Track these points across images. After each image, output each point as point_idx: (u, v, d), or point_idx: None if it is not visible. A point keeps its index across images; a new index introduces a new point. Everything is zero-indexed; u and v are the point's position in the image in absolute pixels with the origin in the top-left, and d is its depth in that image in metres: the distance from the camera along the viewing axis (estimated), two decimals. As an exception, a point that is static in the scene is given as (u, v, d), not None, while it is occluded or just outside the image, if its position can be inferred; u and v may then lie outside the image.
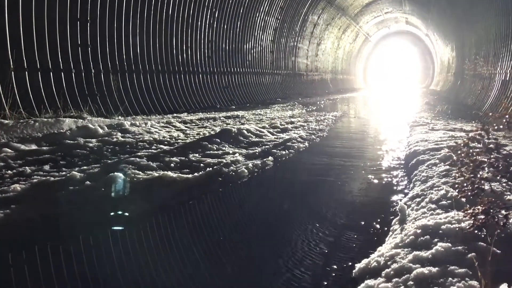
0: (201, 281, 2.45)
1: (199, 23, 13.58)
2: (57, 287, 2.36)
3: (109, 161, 5.07)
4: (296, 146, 6.76)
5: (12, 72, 7.37)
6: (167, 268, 2.59)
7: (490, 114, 2.22)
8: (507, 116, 1.96)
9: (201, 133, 7.59)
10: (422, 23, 29.87)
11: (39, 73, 8.01)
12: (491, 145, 2.03)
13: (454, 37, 20.63)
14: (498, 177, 2.18)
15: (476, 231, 2.39)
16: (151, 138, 6.89)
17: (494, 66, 11.80)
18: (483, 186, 2.20)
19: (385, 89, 34.85)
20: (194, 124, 9.21)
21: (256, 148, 6.37)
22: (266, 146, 6.50)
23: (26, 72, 7.72)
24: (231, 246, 2.99)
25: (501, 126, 1.99)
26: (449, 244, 2.34)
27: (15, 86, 7.35)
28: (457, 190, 2.43)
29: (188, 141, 6.49)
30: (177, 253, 2.82)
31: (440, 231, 2.54)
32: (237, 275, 2.55)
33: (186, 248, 2.94)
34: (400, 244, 2.54)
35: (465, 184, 2.27)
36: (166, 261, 2.68)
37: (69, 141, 6.25)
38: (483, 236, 2.34)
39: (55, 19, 8.39)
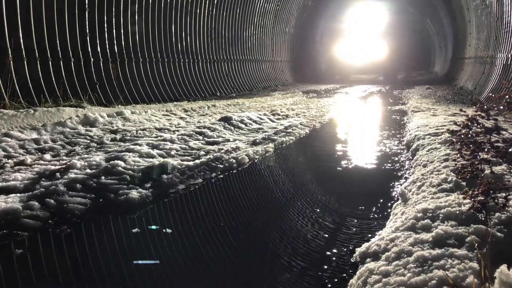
0: (203, 267, 2.46)
1: (198, 10, 13.49)
2: (61, 274, 2.37)
3: (110, 149, 5.07)
4: (296, 133, 6.76)
5: (11, 62, 7.35)
6: (168, 253, 2.61)
7: (491, 95, 2.21)
8: (507, 97, 1.95)
9: (202, 121, 7.58)
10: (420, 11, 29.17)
11: (38, 62, 7.98)
12: (490, 126, 2.03)
13: (454, 22, 20.44)
14: (498, 158, 2.17)
15: (476, 213, 2.39)
16: (152, 126, 6.89)
17: (495, 51, 11.72)
18: (483, 168, 2.19)
19: (388, 76, 32.62)
20: (194, 112, 9.19)
21: (257, 135, 6.37)
22: (267, 133, 6.50)
23: (25, 62, 7.69)
24: (231, 234, 3.00)
25: (501, 107, 1.99)
26: (449, 227, 2.35)
27: (14, 75, 7.33)
28: (456, 172, 2.42)
29: (188, 128, 6.48)
30: (179, 238, 2.83)
31: (441, 214, 2.54)
32: (235, 263, 2.56)
33: (188, 233, 2.95)
34: (400, 228, 2.55)
35: (464, 166, 2.27)
36: (168, 246, 2.70)
37: (69, 130, 6.25)
38: (483, 218, 2.35)
39: (53, 8, 8.33)
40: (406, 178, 4.07)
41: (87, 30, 9.29)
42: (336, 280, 2.24)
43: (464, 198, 2.49)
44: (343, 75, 25.83)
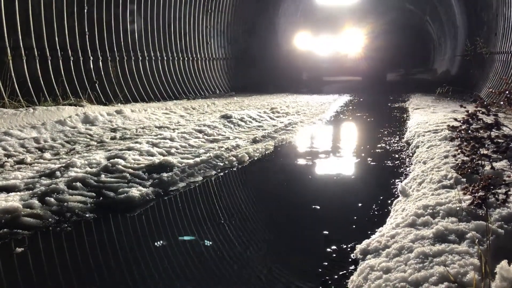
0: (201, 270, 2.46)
1: (196, 9, 13.46)
2: (61, 273, 2.38)
3: (110, 148, 5.08)
4: (297, 130, 6.76)
5: (10, 61, 7.34)
6: (169, 251, 2.61)
7: (491, 90, 2.21)
8: (507, 92, 1.95)
9: (201, 119, 7.58)
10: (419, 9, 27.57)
11: (37, 61, 7.97)
12: (491, 122, 2.03)
13: (453, 18, 20.40)
14: (498, 154, 2.17)
15: (476, 209, 2.39)
16: (152, 125, 6.89)
17: (495, 47, 11.71)
18: (483, 163, 2.20)
19: (372, 77, 23.19)
20: (194, 110, 9.19)
21: (257, 132, 6.37)
22: (267, 131, 6.49)
23: (24, 61, 7.69)
24: (232, 231, 3.00)
25: (501, 103, 1.98)
26: (450, 223, 2.35)
27: (13, 74, 7.33)
28: (456, 168, 2.43)
29: (188, 127, 6.48)
30: (179, 236, 2.83)
31: (441, 211, 2.54)
32: (236, 260, 2.57)
33: (188, 231, 2.95)
34: (401, 225, 2.54)
35: (465, 162, 2.27)
36: (169, 244, 2.70)
37: (69, 129, 6.26)
38: (483, 214, 2.35)
39: (52, 6, 8.32)
40: (406, 175, 4.07)
41: (86, 28, 9.28)
42: (336, 277, 2.24)
43: (465, 194, 2.49)
44: (312, 75, 17.57)
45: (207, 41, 14.23)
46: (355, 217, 3.12)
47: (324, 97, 13.15)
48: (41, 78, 7.99)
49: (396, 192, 3.50)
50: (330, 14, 16.70)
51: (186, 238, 2.81)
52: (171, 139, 5.38)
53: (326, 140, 6.62)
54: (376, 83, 16.32)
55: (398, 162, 4.74)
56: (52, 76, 8.28)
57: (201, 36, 13.88)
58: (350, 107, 10.52)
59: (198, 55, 13.66)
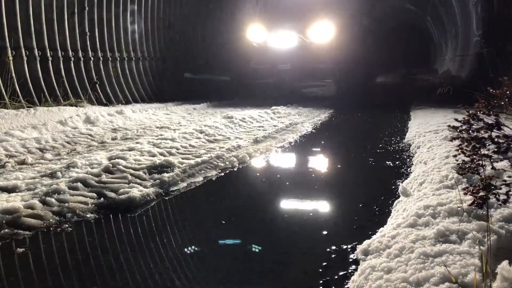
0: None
1: (197, 10, 13.44)
2: (62, 273, 2.38)
3: (111, 148, 5.08)
4: (298, 131, 6.76)
5: (11, 62, 7.35)
6: (170, 252, 2.61)
7: (491, 90, 2.20)
8: (508, 92, 1.94)
9: (202, 120, 7.59)
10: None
11: (38, 62, 7.98)
12: (491, 122, 2.03)
13: (453, 18, 20.39)
14: (499, 155, 2.17)
15: (477, 210, 2.39)
16: (153, 125, 6.90)
17: (496, 46, 11.68)
18: (484, 164, 2.19)
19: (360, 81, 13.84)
20: (195, 111, 9.21)
21: (258, 133, 6.37)
22: (268, 131, 6.49)
23: (25, 61, 7.69)
24: (233, 232, 3.00)
25: (502, 103, 1.99)
26: (451, 223, 2.34)
27: (14, 75, 7.34)
28: (457, 169, 2.43)
29: (189, 127, 6.48)
30: (181, 237, 2.83)
31: (442, 211, 2.54)
32: (238, 260, 2.57)
33: (189, 231, 2.96)
34: (402, 225, 2.54)
35: (465, 162, 2.27)
36: (170, 245, 2.70)
37: (70, 129, 6.26)
38: (484, 214, 2.35)
39: (52, 7, 8.33)
40: (407, 175, 4.07)
41: (87, 29, 9.29)
42: (337, 277, 2.24)
43: (465, 194, 2.49)
44: (277, 83, 13.47)
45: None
46: (356, 217, 3.12)
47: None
48: (41, 79, 8.00)
49: (397, 192, 3.50)
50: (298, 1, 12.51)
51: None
52: (172, 140, 5.38)
53: (324, 142, 6.61)
54: (360, 87, 12.77)
55: (399, 162, 4.74)
56: (53, 77, 8.29)
57: (204, 39, 13.86)
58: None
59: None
